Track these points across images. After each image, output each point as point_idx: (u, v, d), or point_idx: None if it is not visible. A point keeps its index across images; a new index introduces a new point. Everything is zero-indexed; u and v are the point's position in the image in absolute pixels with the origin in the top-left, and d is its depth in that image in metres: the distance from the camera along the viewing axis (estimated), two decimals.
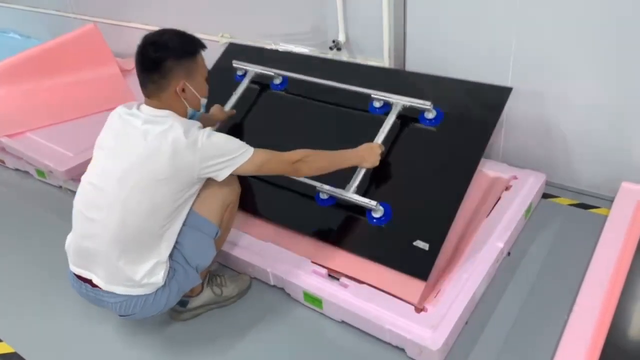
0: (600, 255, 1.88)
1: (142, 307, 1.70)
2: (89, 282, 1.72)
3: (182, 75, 1.69)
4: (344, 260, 1.97)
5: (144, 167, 1.61)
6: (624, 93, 2.09)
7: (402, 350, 1.72)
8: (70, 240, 1.76)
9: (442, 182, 1.99)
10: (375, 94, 2.20)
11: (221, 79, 2.61)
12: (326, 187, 2.05)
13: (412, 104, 2.12)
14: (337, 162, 1.93)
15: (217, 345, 1.85)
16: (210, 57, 1.94)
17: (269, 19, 2.93)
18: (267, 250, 2.06)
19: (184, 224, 1.74)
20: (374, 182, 2.08)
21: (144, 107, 1.72)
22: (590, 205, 2.30)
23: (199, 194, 1.77)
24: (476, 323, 1.81)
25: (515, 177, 2.32)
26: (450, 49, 2.38)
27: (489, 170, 2.39)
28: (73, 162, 2.69)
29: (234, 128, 2.51)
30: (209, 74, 1.81)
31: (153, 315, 1.78)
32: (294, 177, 1.99)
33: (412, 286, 1.82)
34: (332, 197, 2.08)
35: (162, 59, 1.66)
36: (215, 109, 2.39)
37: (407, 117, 2.16)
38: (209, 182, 1.74)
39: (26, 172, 2.98)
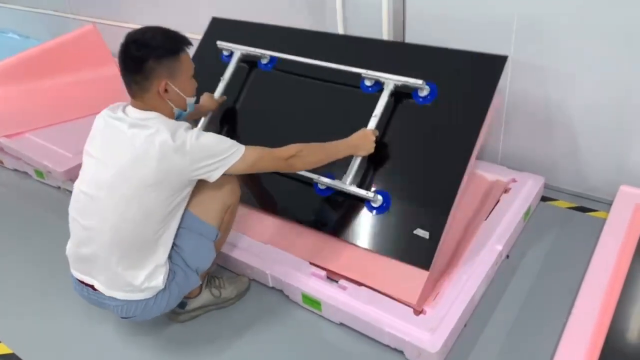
0: (599, 258, 1.88)
1: (143, 310, 1.71)
2: (91, 286, 1.72)
3: (164, 75, 1.63)
4: (343, 262, 1.97)
5: (133, 174, 1.58)
6: (623, 97, 2.09)
7: (401, 352, 1.72)
8: (69, 247, 1.76)
9: (440, 164, 1.93)
10: (365, 73, 2.10)
11: (207, 59, 2.55)
12: (323, 179, 2.03)
13: (404, 83, 2.03)
14: (331, 154, 1.89)
15: (215, 347, 1.85)
16: None
17: None
18: (266, 252, 2.06)
19: (183, 227, 1.74)
20: (370, 170, 2.04)
21: (130, 109, 1.68)
22: (588, 209, 2.31)
23: (198, 197, 1.76)
24: (475, 325, 1.81)
25: (514, 180, 2.33)
26: (450, 21, 2.31)
27: (488, 173, 2.40)
28: (72, 163, 2.68)
29: (225, 115, 2.46)
30: (196, 71, 1.75)
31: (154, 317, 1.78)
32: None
33: (411, 288, 1.82)
34: (330, 187, 2.06)
35: (144, 59, 1.60)
36: (205, 98, 2.33)
37: (400, 96, 2.08)
38: (208, 184, 1.73)
39: (25, 173, 2.98)
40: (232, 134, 2.43)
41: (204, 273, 1.87)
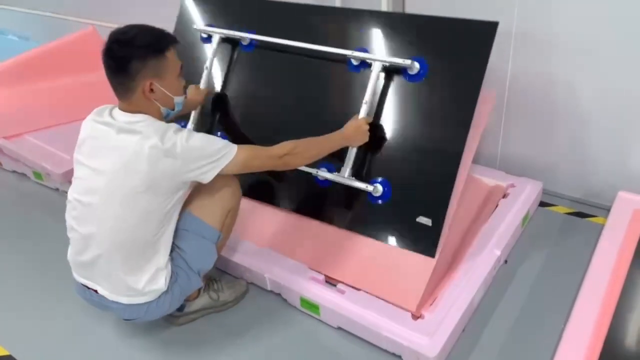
0: (597, 264, 1.88)
1: (145, 312, 1.71)
2: (95, 290, 1.72)
3: (149, 75, 1.58)
4: (342, 267, 1.97)
5: (126, 180, 1.56)
6: (622, 103, 2.10)
7: (399, 357, 1.72)
8: (70, 254, 1.75)
9: (437, 144, 1.89)
10: (351, 54, 2.02)
11: (185, 43, 2.44)
12: (322, 173, 2.02)
13: (392, 63, 1.95)
14: (325, 148, 1.87)
15: (213, 350, 1.84)
16: None
17: None
18: (264, 255, 2.06)
19: (185, 229, 1.74)
20: (367, 158, 2.01)
21: (117, 112, 1.64)
22: (587, 214, 2.31)
23: (200, 199, 1.77)
24: (473, 330, 1.81)
25: (512, 185, 2.33)
26: None
27: (486, 177, 2.40)
28: (70, 165, 2.64)
29: (214, 105, 2.41)
30: (182, 69, 1.70)
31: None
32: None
33: (410, 293, 1.82)
34: (330, 167, 2.04)
35: (128, 59, 1.55)
36: (191, 92, 2.26)
37: (390, 75, 1.99)
38: (210, 187, 1.73)
39: (23, 174, 2.97)
40: (223, 125, 2.39)
41: (205, 275, 1.87)
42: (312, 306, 1.88)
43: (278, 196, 2.19)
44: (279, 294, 2.00)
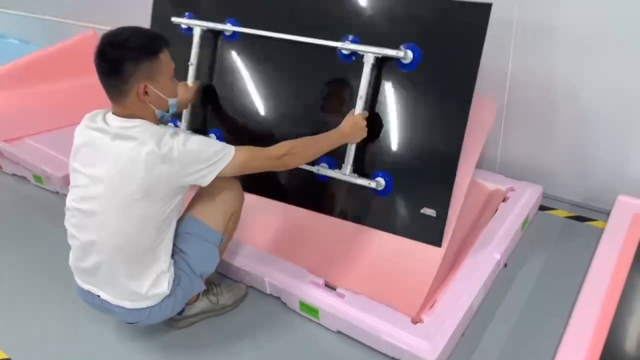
0: (597, 268, 1.88)
1: (148, 316, 1.71)
2: (98, 295, 1.72)
3: (143, 78, 1.56)
4: (342, 271, 1.97)
5: (123, 187, 1.56)
6: (622, 107, 2.10)
7: None
8: (71, 260, 1.75)
9: (436, 133, 1.87)
10: (341, 46, 1.96)
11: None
12: (323, 170, 2.01)
13: (385, 54, 1.88)
14: (323, 147, 1.86)
15: (212, 353, 1.84)
16: None
17: None
18: (264, 259, 2.06)
19: (188, 232, 1.74)
20: (368, 152, 1.99)
21: (110, 117, 1.62)
22: (586, 218, 2.31)
23: (204, 203, 1.77)
24: (473, 334, 1.81)
25: (512, 189, 2.33)
26: None
27: (486, 181, 2.40)
28: None
29: (205, 103, 2.35)
30: (175, 71, 1.68)
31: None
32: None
33: (409, 297, 1.82)
34: (332, 163, 2.04)
35: (120, 61, 1.53)
36: (180, 90, 2.13)
37: (383, 65, 1.93)
38: (213, 191, 1.73)
39: (23, 177, 2.97)
40: (216, 121, 2.34)
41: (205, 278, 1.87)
42: (311, 310, 1.88)
43: (279, 190, 2.17)
44: (278, 298, 2.00)
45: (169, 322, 1.92)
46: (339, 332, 1.85)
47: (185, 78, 2.31)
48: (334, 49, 2.00)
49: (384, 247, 2.06)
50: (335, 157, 2.01)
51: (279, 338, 1.87)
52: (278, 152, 1.72)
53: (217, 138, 2.27)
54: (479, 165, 2.51)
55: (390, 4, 1.95)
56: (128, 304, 1.67)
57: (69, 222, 1.70)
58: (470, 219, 2.21)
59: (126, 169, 1.55)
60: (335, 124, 1.92)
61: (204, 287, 1.83)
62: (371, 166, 1.98)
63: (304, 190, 2.12)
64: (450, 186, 1.83)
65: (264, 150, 1.72)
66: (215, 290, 1.96)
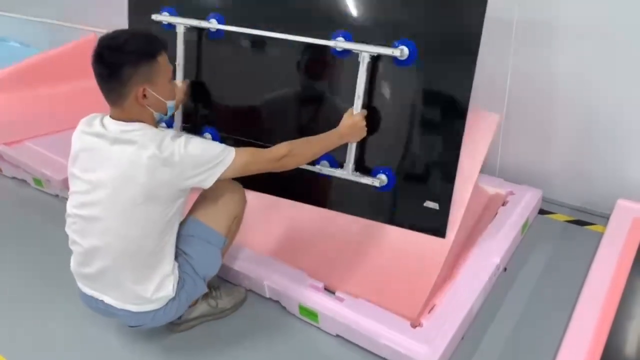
0: (596, 272, 1.88)
1: (152, 319, 1.71)
2: (101, 300, 1.72)
3: (142, 81, 1.56)
4: (341, 275, 1.97)
5: (125, 192, 1.55)
6: (620, 111, 2.11)
7: None
8: (73, 266, 1.74)
9: (436, 128, 1.87)
10: (335, 44, 1.90)
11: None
12: (325, 170, 2.01)
13: (380, 53, 1.85)
14: (322, 147, 1.86)
15: (211, 357, 1.84)
16: None
17: None
18: (263, 262, 2.06)
19: (192, 235, 1.75)
20: (368, 149, 1.99)
21: (108, 121, 1.61)
22: (586, 222, 2.31)
23: (207, 205, 1.78)
24: (472, 338, 1.80)
25: (511, 193, 2.33)
26: None
27: (485, 185, 2.40)
28: None
29: (195, 102, 2.29)
30: (174, 74, 1.66)
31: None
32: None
33: (408, 301, 1.82)
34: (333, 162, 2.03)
35: (119, 65, 1.53)
36: None
37: (379, 62, 1.89)
38: (216, 193, 1.74)
39: (23, 181, 2.97)
40: (210, 121, 2.30)
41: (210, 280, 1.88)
42: (310, 314, 1.88)
43: (281, 187, 2.15)
44: (277, 302, 2.00)
45: (169, 326, 1.91)
46: (338, 336, 1.85)
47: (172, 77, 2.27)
48: (327, 37, 1.94)
49: (384, 250, 2.06)
50: (335, 155, 2.00)
51: (278, 342, 1.87)
52: (278, 154, 1.72)
53: (212, 137, 2.27)
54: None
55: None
56: (133, 308, 1.67)
57: (71, 229, 1.69)
58: (470, 222, 2.21)
59: (127, 173, 1.55)
60: (330, 120, 1.92)
61: (206, 290, 1.83)
62: (372, 162, 1.98)
63: (306, 186, 2.10)
64: (452, 179, 1.84)
65: (264, 152, 1.72)
66: (215, 293, 1.96)
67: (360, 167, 1.98)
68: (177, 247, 1.74)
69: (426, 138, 1.90)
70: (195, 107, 2.33)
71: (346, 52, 1.93)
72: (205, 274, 1.79)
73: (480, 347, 1.78)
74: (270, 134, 2.07)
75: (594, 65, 2.08)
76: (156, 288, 1.65)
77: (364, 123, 1.90)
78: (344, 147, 1.95)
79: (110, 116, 1.63)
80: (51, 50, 3.44)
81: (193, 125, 2.34)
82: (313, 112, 2.10)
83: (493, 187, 2.38)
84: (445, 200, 1.85)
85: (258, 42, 2.13)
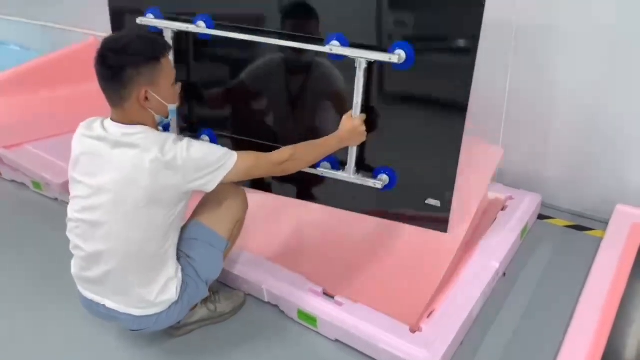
0: (596, 277, 1.88)
1: (155, 323, 1.71)
2: (103, 304, 1.71)
3: (143, 83, 1.56)
4: (340, 280, 1.96)
5: (128, 196, 1.55)
6: (620, 116, 2.11)
7: None
8: (74, 271, 1.74)
9: (436, 127, 1.86)
10: (330, 50, 1.86)
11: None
12: (326, 172, 2.01)
13: (377, 60, 1.82)
14: (323, 152, 1.87)
15: None
16: None
17: None
18: (262, 266, 2.05)
19: (195, 238, 1.75)
20: (369, 149, 1.98)
21: (109, 124, 1.61)
22: (585, 227, 2.31)
23: (210, 209, 1.78)
24: (471, 343, 1.80)
25: (511, 198, 2.33)
26: None
27: None
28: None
29: (189, 105, 2.25)
30: (176, 78, 1.67)
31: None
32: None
33: (408, 306, 1.82)
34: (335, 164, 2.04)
35: (121, 67, 1.53)
36: None
37: (375, 66, 1.86)
38: (219, 197, 1.75)
39: (22, 184, 2.97)
40: (206, 123, 2.27)
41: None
42: (309, 318, 1.88)
43: (283, 186, 2.14)
44: (276, 306, 1.99)
45: (168, 330, 1.91)
46: (337, 340, 1.85)
47: None
48: (322, 43, 1.91)
49: (384, 256, 2.07)
50: (337, 156, 2.00)
51: (277, 346, 1.87)
52: (280, 158, 1.73)
53: (210, 139, 2.27)
54: None
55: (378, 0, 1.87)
56: (136, 312, 1.67)
57: (73, 233, 1.68)
58: (470, 227, 2.21)
59: (130, 177, 1.55)
60: (326, 119, 1.93)
61: (207, 294, 1.83)
62: (373, 162, 1.99)
63: (308, 185, 2.10)
64: (453, 178, 1.85)
65: (266, 156, 1.73)
66: (214, 298, 1.96)
67: (362, 167, 1.99)
68: (180, 250, 1.74)
69: (426, 138, 1.91)
70: (190, 109, 2.31)
71: (342, 55, 1.90)
72: (208, 277, 1.79)
73: (479, 352, 1.78)
74: (267, 135, 2.07)
75: (594, 72, 2.09)
76: (160, 291, 1.65)
77: (364, 128, 1.91)
78: (345, 148, 1.96)
79: (112, 118, 1.63)
80: (51, 53, 3.44)
81: (189, 127, 2.34)
82: (308, 111, 2.10)
83: (492, 192, 2.38)
84: (447, 198, 1.89)
85: (251, 44, 2.06)
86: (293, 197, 2.14)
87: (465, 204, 2.02)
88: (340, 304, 1.86)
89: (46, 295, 2.17)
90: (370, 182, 1.94)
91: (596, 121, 2.17)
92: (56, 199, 2.80)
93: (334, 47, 1.87)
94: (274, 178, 2.15)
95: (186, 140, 1.60)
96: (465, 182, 1.97)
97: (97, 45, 1.61)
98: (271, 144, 2.04)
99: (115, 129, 1.59)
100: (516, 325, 1.86)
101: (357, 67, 1.85)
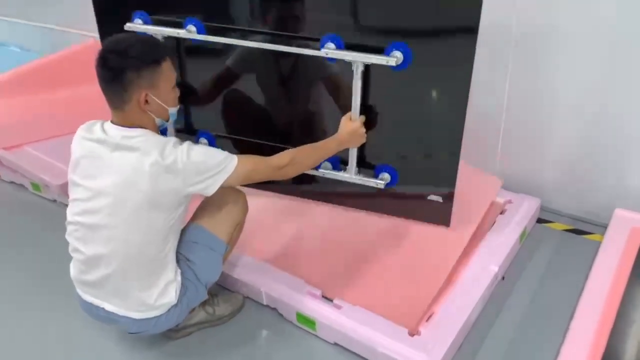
0: (594, 281, 1.88)
1: (154, 326, 1.71)
2: (102, 307, 1.71)
3: (144, 86, 1.55)
4: (339, 283, 1.96)
5: (128, 199, 1.55)
6: (620, 120, 2.11)
7: None
8: (73, 274, 1.73)
9: (436, 125, 1.89)
10: (326, 54, 1.85)
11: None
12: (328, 173, 2.02)
13: (374, 62, 1.81)
14: (323, 155, 1.87)
15: None
16: None
17: None
18: (261, 269, 2.05)
19: (195, 241, 1.75)
20: (370, 149, 2.00)
21: (109, 126, 1.60)
22: (584, 231, 2.31)
23: (210, 212, 1.78)
24: (470, 347, 1.80)
25: (510, 202, 2.33)
26: None
27: None
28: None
29: (185, 108, 2.24)
30: (177, 80, 1.67)
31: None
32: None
33: (407, 309, 1.81)
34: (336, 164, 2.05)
35: (122, 69, 1.53)
36: None
37: (373, 69, 1.86)
38: (219, 200, 1.75)
39: (21, 185, 2.97)
40: (203, 125, 2.29)
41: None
42: (308, 321, 1.87)
43: (285, 184, 2.15)
44: (275, 309, 1.99)
45: (166, 332, 1.90)
46: (335, 344, 1.84)
47: None
48: (317, 44, 1.89)
49: (382, 259, 2.06)
50: (337, 156, 2.00)
51: (276, 349, 1.86)
52: (280, 162, 1.73)
53: (209, 142, 2.27)
54: None
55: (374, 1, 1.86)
56: (136, 315, 1.67)
57: (72, 236, 1.68)
58: None
59: (130, 180, 1.54)
60: (323, 123, 1.94)
61: (207, 296, 1.83)
62: (374, 161, 2.01)
63: (310, 182, 2.11)
64: (455, 172, 1.89)
65: (267, 161, 1.73)
66: (212, 300, 1.95)
67: (363, 165, 2.00)
68: (179, 253, 1.74)
69: (426, 136, 1.95)
70: (186, 112, 2.32)
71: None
72: (207, 280, 1.79)
73: (478, 355, 1.77)
74: (265, 135, 2.08)
75: (593, 75, 2.09)
76: (159, 294, 1.65)
77: (364, 130, 1.92)
78: (345, 150, 1.97)
79: (112, 121, 1.63)
80: (51, 55, 3.44)
81: (187, 131, 2.33)
82: (304, 111, 2.10)
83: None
84: (449, 193, 1.93)
85: (241, 51, 2.08)
86: (295, 195, 2.14)
87: (462, 229, 2.07)
88: (339, 307, 1.86)
89: (45, 296, 2.16)
90: (372, 182, 1.96)
91: (595, 125, 2.17)
92: (55, 201, 2.79)
93: (330, 51, 1.86)
94: None
95: (186, 144, 1.60)
96: (463, 210, 2.06)
97: (97, 47, 1.61)
98: (270, 143, 2.05)
99: (115, 132, 1.59)
100: (515, 329, 1.86)
101: (354, 70, 1.84)
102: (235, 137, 2.27)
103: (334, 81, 1.99)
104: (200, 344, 1.90)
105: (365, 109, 1.92)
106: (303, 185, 2.12)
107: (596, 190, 2.29)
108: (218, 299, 1.97)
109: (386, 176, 1.97)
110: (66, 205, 1.70)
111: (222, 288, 2.11)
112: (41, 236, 2.54)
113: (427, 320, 1.80)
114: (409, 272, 1.99)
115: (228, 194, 1.79)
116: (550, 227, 2.36)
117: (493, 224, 2.21)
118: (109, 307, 1.68)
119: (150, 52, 1.58)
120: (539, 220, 2.38)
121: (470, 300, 1.85)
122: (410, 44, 1.80)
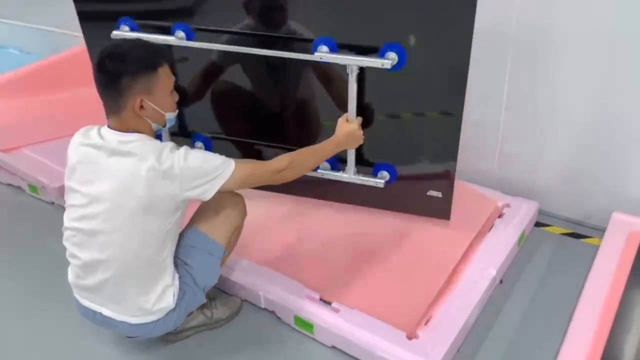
0: (592, 285, 1.88)
1: (152, 330, 1.71)
2: (100, 312, 1.71)
3: (140, 92, 1.55)
4: (337, 286, 1.96)
5: (125, 205, 1.55)
6: (618, 124, 2.11)
7: None
8: (71, 278, 1.73)
9: (433, 122, 1.89)
10: (319, 58, 1.84)
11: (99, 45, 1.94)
12: (327, 174, 2.03)
13: (369, 65, 1.80)
14: (320, 157, 1.88)
15: None
16: None
17: None
18: (259, 272, 2.05)
19: (193, 246, 1.75)
20: (367, 147, 2.00)
21: (106, 131, 1.60)
22: (582, 235, 2.31)
23: (209, 216, 1.78)
24: (468, 351, 1.80)
25: (508, 205, 2.33)
26: None
27: None
28: None
29: (179, 112, 2.14)
30: (174, 86, 1.66)
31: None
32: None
33: (405, 313, 1.81)
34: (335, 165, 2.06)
35: (118, 74, 1.53)
36: None
37: (368, 70, 1.84)
38: (218, 204, 1.75)
39: (19, 188, 2.96)
40: (198, 129, 2.29)
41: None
42: (306, 325, 1.87)
43: (288, 183, 2.15)
44: (273, 312, 1.99)
45: (165, 336, 1.90)
46: (333, 347, 1.84)
47: None
48: (311, 44, 1.87)
49: (381, 262, 2.06)
50: (336, 156, 2.00)
51: (273, 353, 1.86)
52: (278, 167, 1.72)
53: (205, 145, 2.27)
54: (475, 181, 2.51)
55: (367, 1, 1.82)
56: (133, 320, 1.67)
57: (70, 242, 1.68)
58: None
59: (126, 186, 1.54)
60: (317, 123, 1.94)
61: (205, 300, 1.83)
62: (372, 159, 2.02)
63: (310, 180, 2.10)
64: (453, 168, 1.91)
65: (264, 165, 1.73)
66: (210, 304, 1.95)
67: (361, 163, 2.01)
68: (177, 257, 1.74)
69: (425, 134, 1.96)
70: (180, 115, 2.30)
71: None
72: (205, 284, 1.79)
73: (476, 359, 1.77)
74: (262, 138, 2.08)
75: (592, 77, 2.09)
76: (157, 299, 1.65)
77: (361, 132, 1.92)
78: (343, 151, 1.98)
79: (109, 126, 1.63)
80: (50, 57, 3.44)
81: (182, 134, 2.32)
82: (301, 111, 2.10)
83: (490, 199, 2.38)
84: (448, 188, 1.95)
85: (234, 54, 2.02)
86: (294, 194, 2.14)
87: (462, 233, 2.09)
88: (337, 311, 1.86)
89: (42, 300, 2.16)
90: (371, 182, 1.97)
91: (594, 128, 2.17)
92: (52, 203, 2.79)
93: (323, 55, 1.84)
94: None
95: (183, 149, 1.60)
96: (464, 214, 2.11)
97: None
98: (265, 142, 2.06)
99: (112, 137, 1.59)
100: (513, 333, 1.86)
101: (349, 72, 1.84)
102: (230, 138, 2.26)
103: (326, 73, 1.98)
104: (198, 347, 1.90)
105: (361, 109, 1.91)
106: (302, 183, 2.11)
107: (594, 194, 2.29)
108: (216, 302, 1.97)
109: (385, 174, 1.98)
110: (64, 208, 1.70)
111: (220, 291, 2.10)
112: (39, 238, 2.54)
113: (425, 324, 1.80)
114: (407, 276, 1.99)
115: (226, 198, 1.79)
116: (548, 230, 2.36)
117: (491, 228, 2.21)
118: (106, 312, 1.68)
119: (146, 58, 1.58)
120: (537, 224, 2.38)
121: (468, 304, 1.85)
122: (404, 45, 1.79)
